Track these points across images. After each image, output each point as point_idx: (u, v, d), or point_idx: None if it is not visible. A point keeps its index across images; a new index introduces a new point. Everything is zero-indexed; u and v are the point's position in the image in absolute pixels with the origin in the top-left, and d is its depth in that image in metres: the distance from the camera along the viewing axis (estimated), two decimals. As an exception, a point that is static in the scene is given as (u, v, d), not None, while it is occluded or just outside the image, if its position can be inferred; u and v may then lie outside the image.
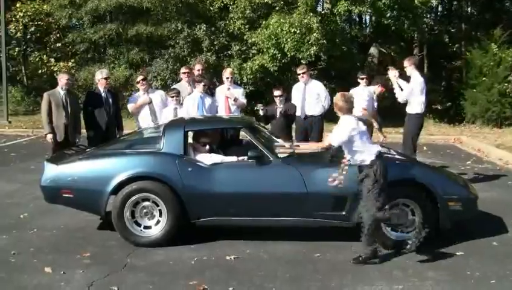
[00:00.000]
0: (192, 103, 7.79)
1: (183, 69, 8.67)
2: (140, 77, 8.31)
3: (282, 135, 7.34)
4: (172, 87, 8.28)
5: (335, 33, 17.27)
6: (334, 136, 5.08)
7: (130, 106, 8.20)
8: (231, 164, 5.76)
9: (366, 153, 5.01)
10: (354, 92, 8.98)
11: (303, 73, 8.55)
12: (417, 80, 7.86)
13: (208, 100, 7.95)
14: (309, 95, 8.48)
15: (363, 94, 8.74)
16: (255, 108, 8.23)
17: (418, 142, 8.63)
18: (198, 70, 8.63)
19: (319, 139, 8.38)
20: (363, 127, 5.11)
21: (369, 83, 9.15)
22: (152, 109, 8.04)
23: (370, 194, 4.92)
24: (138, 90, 8.37)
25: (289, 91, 8.80)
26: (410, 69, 7.93)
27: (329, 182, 5.19)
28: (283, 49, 16.16)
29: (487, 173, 9.55)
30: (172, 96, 7.77)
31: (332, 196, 5.36)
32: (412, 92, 7.81)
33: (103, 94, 7.95)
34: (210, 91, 8.44)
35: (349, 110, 5.14)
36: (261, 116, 8.13)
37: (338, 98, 5.17)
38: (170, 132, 5.85)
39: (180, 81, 8.86)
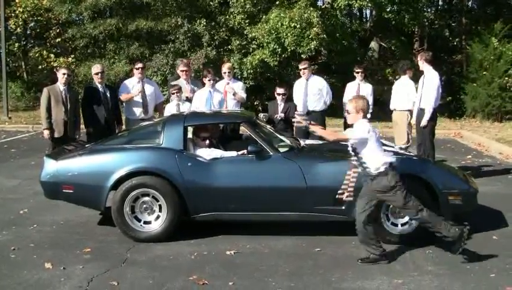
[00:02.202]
0: (200, 98, 7.82)
1: (181, 67, 8.59)
2: (139, 65, 8.32)
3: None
4: (173, 83, 8.25)
5: (335, 27, 17.25)
6: (351, 132, 4.87)
7: (124, 96, 8.17)
8: (231, 158, 5.75)
9: (380, 159, 4.81)
10: (349, 86, 9.01)
11: (304, 68, 8.55)
12: (431, 74, 7.84)
13: (218, 95, 7.98)
14: (310, 91, 8.49)
15: (362, 89, 8.75)
16: (259, 115, 8.14)
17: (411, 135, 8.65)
18: (182, 71, 8.49)
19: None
20: (378, 133, 4.97)
21: (365, 76, 9.14)
22: (144, 101, 8.05)
23: (398, 203, 4.83)
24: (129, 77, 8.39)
25: (291, 86, 8.79)
26: (421, 63, 7.93)
27: (338, 196, 5.11)
28: (283, 43, 16.14)
29: (487, 167, 9.55)
30: (174, 92, 7.77)
31: (331, 190, 5.36)
32: (428, 87, 7.80)
33: (101, 89, 7.93)
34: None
35: (367, 113, 4.96)
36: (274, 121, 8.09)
37: (361, 100, 4.96)
38: (170, 126, 5.84)
39: (178, 78, 8.77)
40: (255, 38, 17.01)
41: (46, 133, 7.69)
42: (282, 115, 8.04)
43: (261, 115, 8.10)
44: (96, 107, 7.84)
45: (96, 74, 7.96)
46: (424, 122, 7.79)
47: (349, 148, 4.96)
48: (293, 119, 7.74)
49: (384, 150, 4.99)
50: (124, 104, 8.36)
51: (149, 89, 8.20)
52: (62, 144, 7.39)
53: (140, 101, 8.06)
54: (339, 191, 5.20)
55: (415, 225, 5.33)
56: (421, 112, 7.96)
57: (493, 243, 5.48)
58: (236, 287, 4.44)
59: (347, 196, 5.16)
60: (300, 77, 8.74)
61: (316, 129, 5.25)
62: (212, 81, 7.97)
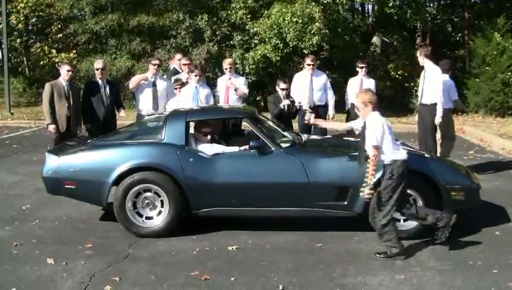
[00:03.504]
0: (187, 94, 7.79)
1: (183, 60, 8.61)
2: (156, 61, 8.29)
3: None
4: (176, 78, 8.24)
5: (337, 22, 17.21)
6: (373, 136, 4.80)
7: (130, 84, 8.18)
8: (233, 154, 5.74)
9: (389, 153, 4.85)
10: (352, 82, 8.98)
11: (313, 64, 8.57)
12: (432, 69, 7.79)
13: (204, 91, 7.93)
14: (316, 86, 8.52)
15: (364, 84, 8.72)
16: (282, 104, 7.88)
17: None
18: (185, 64, 8.53)
19: (324, 128, 8.38)
20: (389, 125, 4.98)
21: (368, 72, 9.11)
22: (155, 96, 8.03)
23: (384, 193, 4.87)
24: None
25: (291, 81, 8.77)
26: (421, 59, 7.88)
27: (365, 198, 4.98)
28: (285, 39, 16.10)
29: (490, 163, 9.53)
30: (176, 88, 7.74)
31: (334, 185, 5.36)
32: (431, 83, 7.74)
33: (100, 84, 7.92)
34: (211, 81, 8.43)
35: (376, 104, 5.00)
36: (281, 109, 7.88)
37: (366, 93, 5.05)
38: (172, 122, 5.83)
39: (175, 72, 8.74)
40: (257, 34, 16.99)
41: (52, 127, 7.67)
42: (288, 102, 7.87)
43: (286, 101, 7.90)
44: (96, 102, 7.83)
45: (97, 69, 7.96)
46: (438, 118, 7.70)
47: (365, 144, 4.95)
48: (305, 117, 7.55)
49: (396, 145, 4.99)
50: (135, 100, 8.31)
51: (161, 85, 8.14)
52: (65, 139, 7.40)
53: (152, 96, 8.04)
54: (361, 189, 4.92)
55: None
56: (423, 107, 7.93)
57: (496, 238, 5.46)
58: (238, 282, 4.44)
59: (368, 194, 4.88)
60: (301, 70, 8.74)
61: (324, 124, 5.22)
62: (198, 77, 7.91)
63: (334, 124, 5.23)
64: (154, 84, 8.06)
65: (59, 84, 7.73)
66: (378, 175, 4.98)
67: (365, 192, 4.80)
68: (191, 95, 7.77)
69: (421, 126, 8.08)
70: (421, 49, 8.17)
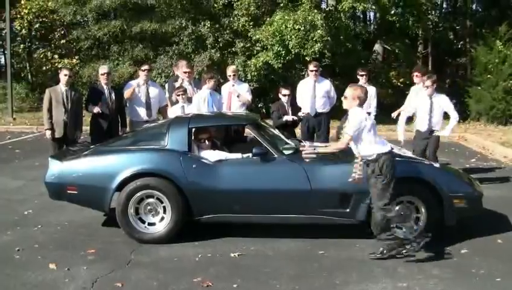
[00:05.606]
0: (201, 100, 7.80)
1: (184, 68, 8.60)
2: (146, 66, 8.36)
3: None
4: (178, 85, 8.26)
5: (339, 30, 17.26)
6: (351, 127, 4.97)
7: (127, 92, 8.18)
8: (235, 160, 5.75)
9: (373, 147, 4.96)
10: None
11: (316, 70, 8.56)
12: (440, 98, 7.69)
13: (217, 97, 7.98)
14: (319, 93, 8.51)
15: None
16: (285, 118, 8.05)
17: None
18: (185, 72, 8.56)
19: (327, 136, 8.41)
20: (372, 121, 5.08)
21: (369, 79, 9.12)
22: (148, 102, 8.06)
23: (375, 191, 4.93)
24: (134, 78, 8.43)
25: (294, 88, 8.79)
26: (431, 86, 7.57)
27: (350, 182, 5.15)
28: (287, 46, 16.14)
29: (492, 171, 9.53)
30: (179, 94, 7.77)
31: (336, 192, 5.36)
32: (440, 111, 7.72)
33: (106, 90, 7.95)
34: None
35: (363, 102, 5.12)
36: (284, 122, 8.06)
37: (355, 88, 5.14)
38: (175, 128, 5.84)
39: (177, 79, 8.77)
40: (259, 41, 17.03)
41: (48, 133, 7.72)
42: (292, 118, 8.08)
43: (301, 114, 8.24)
44: (100, 108, 7.84)
45: (103, 74, 7.99)
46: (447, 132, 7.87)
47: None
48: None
49: (380, 140, 5.08)
50: (127, 105, 8.36)
51: (153, 91, 8.21)
52: (62, 145, 7.42)
53: (144, 103, 8.08)
54: (350, 180, 5.14)
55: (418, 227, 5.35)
56: (433, 135, 7.74)
57: (498, 247, 5.46)
58: (241, 289, 4.44)
59: (359, 182, 5.12)
60: (304, 77, 8.74)
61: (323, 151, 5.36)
62: (216, 83, 7.96)
63: (331, 149, 5.40)
64: (147, 91, 8.10)
65: (57, 90, 7.75)
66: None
67: (308, 156, 5.25)
68: (205, 101, 7.79)
69: (420, 153, 7.76)
70: (434, 78, 7.75)
